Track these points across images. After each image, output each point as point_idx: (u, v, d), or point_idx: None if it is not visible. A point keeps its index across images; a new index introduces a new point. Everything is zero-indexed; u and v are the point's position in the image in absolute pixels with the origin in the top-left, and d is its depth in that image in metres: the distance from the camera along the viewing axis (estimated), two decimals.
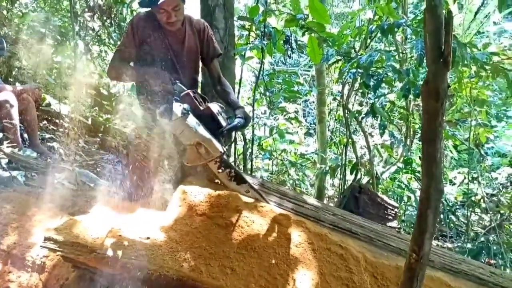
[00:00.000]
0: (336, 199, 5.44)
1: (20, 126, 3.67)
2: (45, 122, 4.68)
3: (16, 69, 4.86)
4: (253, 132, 4.56)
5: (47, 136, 4.56)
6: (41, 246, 1.54)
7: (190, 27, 2.48)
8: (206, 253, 1.62)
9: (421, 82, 3.48)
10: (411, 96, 3.69)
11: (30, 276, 1.88)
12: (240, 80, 4.19)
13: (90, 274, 1.61)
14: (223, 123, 2.07)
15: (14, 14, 5.45)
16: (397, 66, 4.08)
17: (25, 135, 3.97)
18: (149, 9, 2.37)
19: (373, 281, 1.77)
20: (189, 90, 2.06)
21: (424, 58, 2.97)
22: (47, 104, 4.92)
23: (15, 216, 2.10)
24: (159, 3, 2.17)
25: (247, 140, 4.35)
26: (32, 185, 2.90)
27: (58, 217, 2.15)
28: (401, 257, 1.95)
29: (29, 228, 2.05)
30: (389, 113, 4.43)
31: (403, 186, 4.85)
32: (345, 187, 4.23)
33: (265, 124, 5.80)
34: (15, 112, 3.56)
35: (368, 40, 4.08)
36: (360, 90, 4.22)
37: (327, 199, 5.93)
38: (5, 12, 5.05)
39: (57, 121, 4.90)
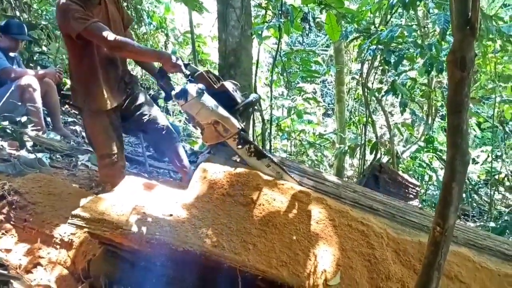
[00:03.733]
0: (355, 179, 5.40)
1: (43, 110, 3.75)
2: (66, 106, 4.76)
3: (37, 54, 4.94)
4: (271, 112, 4.54)
5: (69, 119, 4.65)
6: (68, 223, 1.58)
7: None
8: (228, 229, 1.64)
9: (444, 58, 3.38)
10: (433, 72, 3.59)
11: (59, 253, 1.95)
12: (257, 60, 4.15)
13: (116, 250, 1.66)
14: (239, 99, 2.07)
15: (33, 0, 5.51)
16: (419, 41, 3.97)
17: (48, 119, 4.05)
18: None
19: (396, 257, 1.76)
20: (202, 70, 2.07)
21: (447, 32, 2.89)
22: (68, 88, 4.99)
23: (42, 196, 2.16)
24: None
25: (266, 121, 4.34)
26: (57, 166, 2.98)
27: (83, 196, 2.21)
28: (424, 233, 1.93)
29: (56, 207, 2.12)
30: (410, 91, 4.33)
31: (424, 165, 4.77)
32: (365, 167, 4.20)
33: (283, 105, 5.75)
34: (38, 96, 3.64)
35: (389, 16, 3.97)
36: (380, 68, 4.13)
37: (346, 179, 5.90)
38: None
39: None
